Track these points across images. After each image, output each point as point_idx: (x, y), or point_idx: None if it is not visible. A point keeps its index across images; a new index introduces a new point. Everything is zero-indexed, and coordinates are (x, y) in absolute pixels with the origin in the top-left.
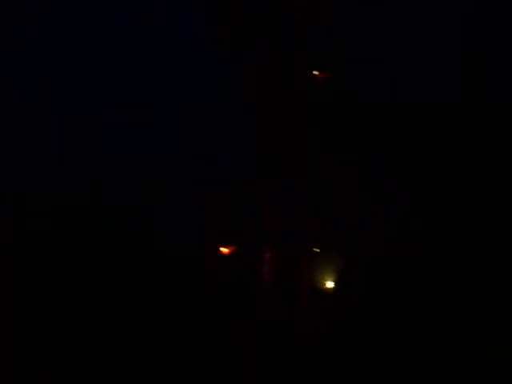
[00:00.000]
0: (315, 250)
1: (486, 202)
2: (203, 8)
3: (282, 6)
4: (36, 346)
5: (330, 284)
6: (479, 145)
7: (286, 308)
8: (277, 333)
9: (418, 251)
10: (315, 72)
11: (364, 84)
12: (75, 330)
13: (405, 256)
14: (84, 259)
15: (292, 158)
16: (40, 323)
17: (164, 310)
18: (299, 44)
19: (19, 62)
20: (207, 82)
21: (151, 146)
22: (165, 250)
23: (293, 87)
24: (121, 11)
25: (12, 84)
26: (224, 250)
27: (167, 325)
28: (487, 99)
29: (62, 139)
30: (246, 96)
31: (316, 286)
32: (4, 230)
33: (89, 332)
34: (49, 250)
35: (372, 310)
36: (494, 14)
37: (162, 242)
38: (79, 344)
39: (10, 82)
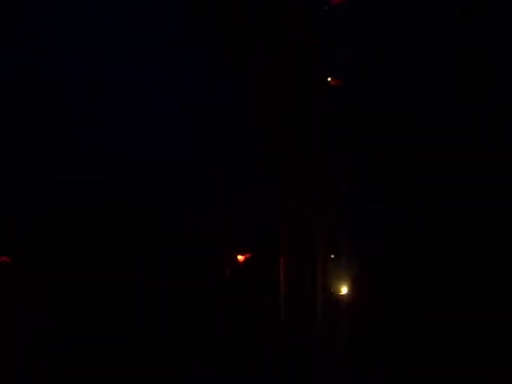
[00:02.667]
0: (331, 256)
1: None
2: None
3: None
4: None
5: (345, 290)
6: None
7: (301, 314)
8: (291, 339)
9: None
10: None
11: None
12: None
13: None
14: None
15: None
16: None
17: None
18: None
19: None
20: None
21: (154, 146)
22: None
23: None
24: (119, 10)
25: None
26: (239, 256)
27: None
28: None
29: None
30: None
31: (331, 293)
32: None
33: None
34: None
35: (386, 317)
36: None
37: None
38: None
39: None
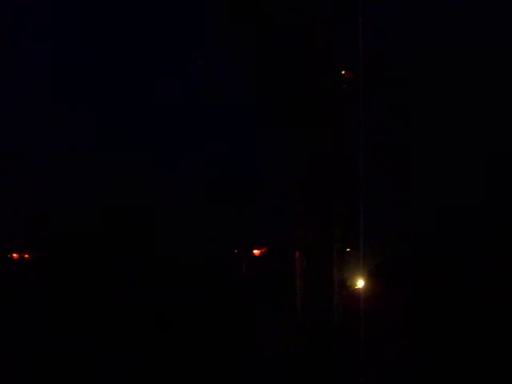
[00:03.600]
0: (347, 249)
1: None
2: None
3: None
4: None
5: (361, 283)
6: None
7: (318, 308)
8: (309, 333)
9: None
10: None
11: None
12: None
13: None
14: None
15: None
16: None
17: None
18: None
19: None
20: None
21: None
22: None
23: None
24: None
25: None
26: (255, 251)
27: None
28: None
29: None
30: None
31: (347, 286)
32: None
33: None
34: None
35: (404, 310)
36: None
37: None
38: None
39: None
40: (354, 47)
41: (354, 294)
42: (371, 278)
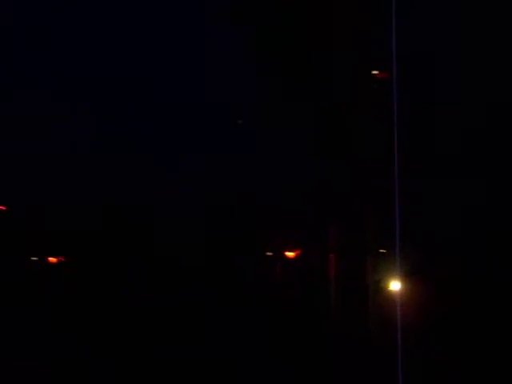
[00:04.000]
0: (381, 251)
1: None
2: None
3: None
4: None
5: (395, 286)
6: None
7: (352, 310)
8: (344, 336)
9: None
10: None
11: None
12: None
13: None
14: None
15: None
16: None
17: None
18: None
19: None
20: None
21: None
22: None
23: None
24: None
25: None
26: (289, 254)
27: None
28: None
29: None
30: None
31: (382, 288)
32: None
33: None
34: None
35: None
36: None
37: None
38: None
39: None
40: (387, 47)
41: (389, 296)
42: (406, 279)
